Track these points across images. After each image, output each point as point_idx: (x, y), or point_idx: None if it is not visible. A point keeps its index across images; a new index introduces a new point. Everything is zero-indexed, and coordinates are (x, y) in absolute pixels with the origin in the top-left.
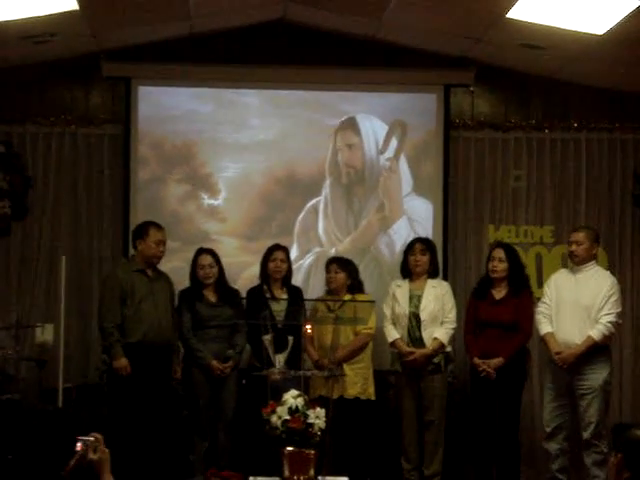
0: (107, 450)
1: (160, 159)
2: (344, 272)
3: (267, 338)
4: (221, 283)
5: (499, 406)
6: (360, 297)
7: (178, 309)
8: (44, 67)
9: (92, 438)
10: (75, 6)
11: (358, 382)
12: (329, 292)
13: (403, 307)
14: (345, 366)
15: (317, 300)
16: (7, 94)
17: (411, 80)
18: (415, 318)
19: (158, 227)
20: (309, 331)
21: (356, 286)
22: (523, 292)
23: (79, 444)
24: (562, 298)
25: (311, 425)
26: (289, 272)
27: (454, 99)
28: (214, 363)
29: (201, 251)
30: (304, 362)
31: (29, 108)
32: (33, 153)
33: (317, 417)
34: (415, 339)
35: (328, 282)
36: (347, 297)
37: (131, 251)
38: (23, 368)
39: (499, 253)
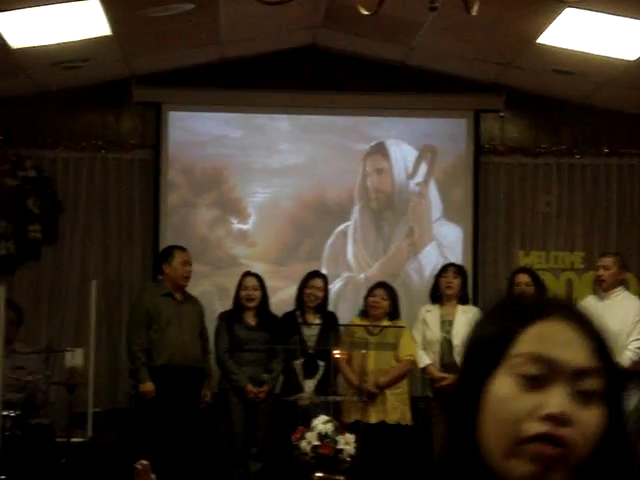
0: (154, 476)
1: (190, 184)
2: (389, 300)
3: (297, 363)
4: (263, 308)
5: None
6: (398, 324)
7: (216, 330)
8: (75, 92)
9: (139, 466)
10: (108, 31)
11: (398, 407)
12: (365, 315)
13: (435, 332)
14: (386, 391)
15: (351, 325)
16: (39, 119)
17: (441, 105)
18: (447, 343)
19: (182, 249)
20: (337, 356)
21: (395, 313)
22: None
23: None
24: None
25: (341, 451)
26: (325, 299)
27: (484, 124)
28: (249, 387)
29: (247, 274)
30: (335, 387)
31: (60, 133)
32: (64, 178)
33: (347, 443)
34: (447, 364)
35: (371, 306)
36: (386, 323)
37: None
38: (53, 393)
39: (525, 278)
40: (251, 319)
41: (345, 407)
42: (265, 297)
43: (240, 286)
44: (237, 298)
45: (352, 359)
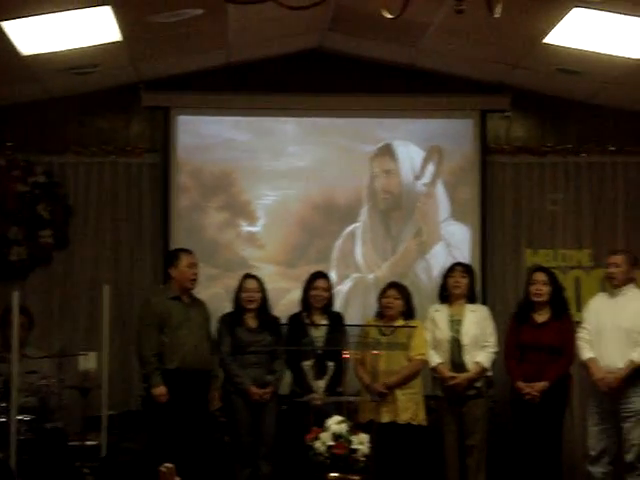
0: (178, 479)
1: (199, 187)
2: (402, 299)
3: (307, 364)
4: (263, 310)
5: (541, 430)
6: (410, 324)
7: (218, 333)
8: (84, 98)
9: (164, 469)
10: (118, 37)
11: (410, 407)
12: (381, 316)
13: (444, 332)
14: (397, 391)
15: (357, 325)
16: (48, 125)
17: (447, 106)
18: (456, 343)
19: (187, 251)
20: (346, 356)
21: (410, 312)
22: (564, 315)
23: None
24: (602, 323)
25: (355, 451)
26: (330, 300)
27: (490, 124)
28: (253, 389)
29: (247, 276)
30: (345, 387)
31: (70, 138)
32: (74, 183)
33: (361, 443)
34: (457, 364)
35: (384, 307)
36: (400, 322)
37: None
38: (66, 396)
39: (541, 276)
40: (252, 321)
41: (360, 407)
42: (265, 299)
43: (240, 288)
44: (237, 300)
45: (365, 359)
